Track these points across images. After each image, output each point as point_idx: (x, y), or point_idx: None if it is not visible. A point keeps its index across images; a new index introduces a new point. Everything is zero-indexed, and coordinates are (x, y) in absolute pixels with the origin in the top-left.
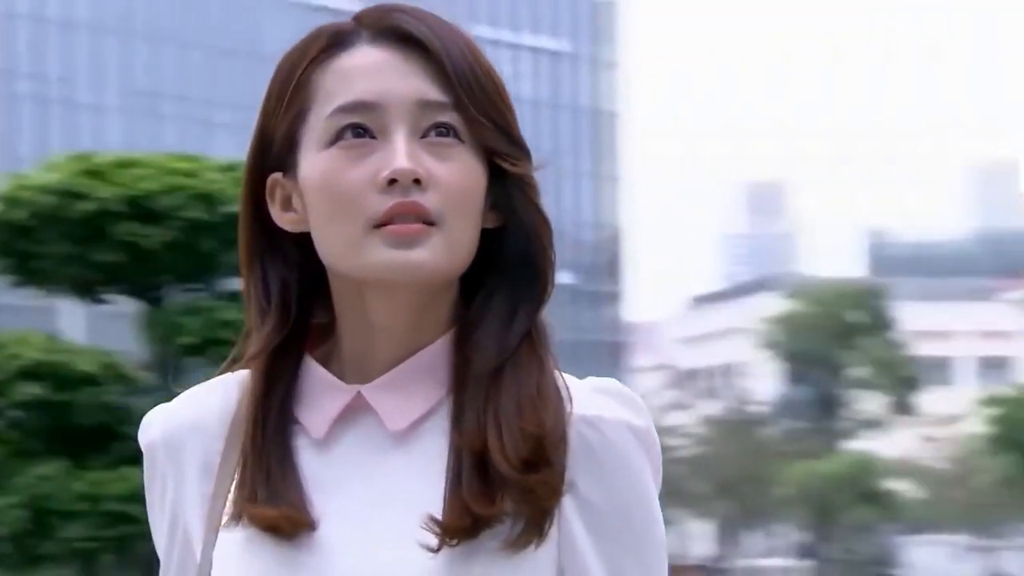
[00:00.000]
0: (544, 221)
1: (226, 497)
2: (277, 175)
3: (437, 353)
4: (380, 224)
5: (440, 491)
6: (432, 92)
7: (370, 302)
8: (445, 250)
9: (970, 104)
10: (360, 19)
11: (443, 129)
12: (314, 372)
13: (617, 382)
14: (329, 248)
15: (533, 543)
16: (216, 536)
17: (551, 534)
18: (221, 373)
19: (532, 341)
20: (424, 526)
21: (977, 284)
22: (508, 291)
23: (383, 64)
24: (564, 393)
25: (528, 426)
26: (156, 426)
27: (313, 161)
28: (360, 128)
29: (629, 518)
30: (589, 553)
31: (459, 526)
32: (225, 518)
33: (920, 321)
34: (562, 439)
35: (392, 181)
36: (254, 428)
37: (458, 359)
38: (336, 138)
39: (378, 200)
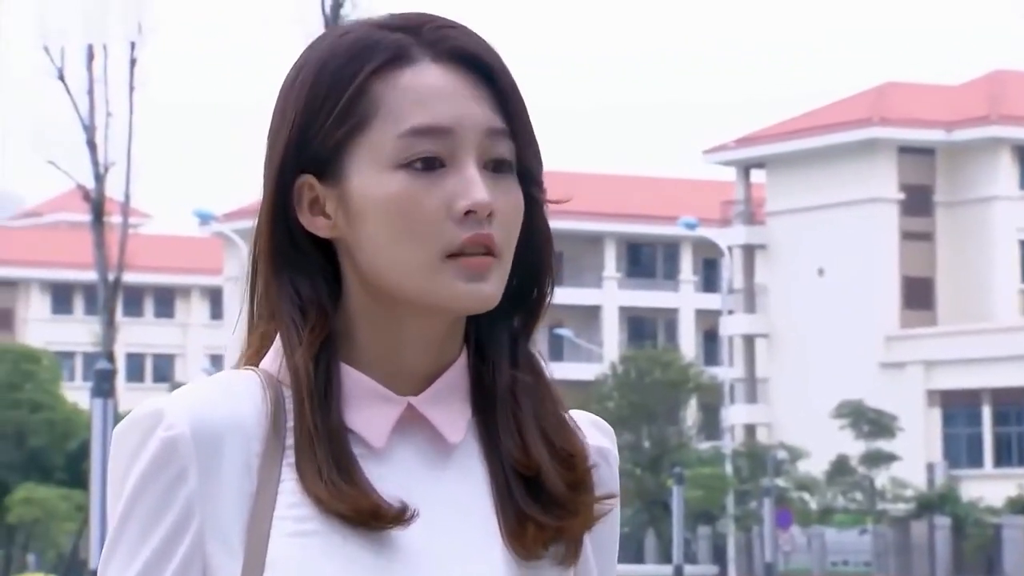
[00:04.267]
0: (551, 240)
1: (272, 500)
2: (309, 177)
3: (460, 370)
4: (453, 254)
5: (492, 506)
6: (496, 120)
7: (407, 319)
8: (502, 280)
9: None
10: (419, 33)
11: (502, 163)
12: (354, 379)
13: (593, 415)
14: (392, 270)
15: (573, 562)
16: (268, 537)
17: None
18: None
19: (534, 360)
20: (506, 541)
21: None
22: (510, 308)
23: (454, 87)
24: (572, 422)
25: (567, 449)
26: (183, 417)
27: (378, 180)
28: (433, 154)
29: (614, 541)
30: (594, 571)
31: (537, 541)
32: (291, 521)
33: None
34: (592, 465)
35: (469, 212)
36: (315, 431)
37: (477, 377)
38: (408, 161)
39: (453, 230)
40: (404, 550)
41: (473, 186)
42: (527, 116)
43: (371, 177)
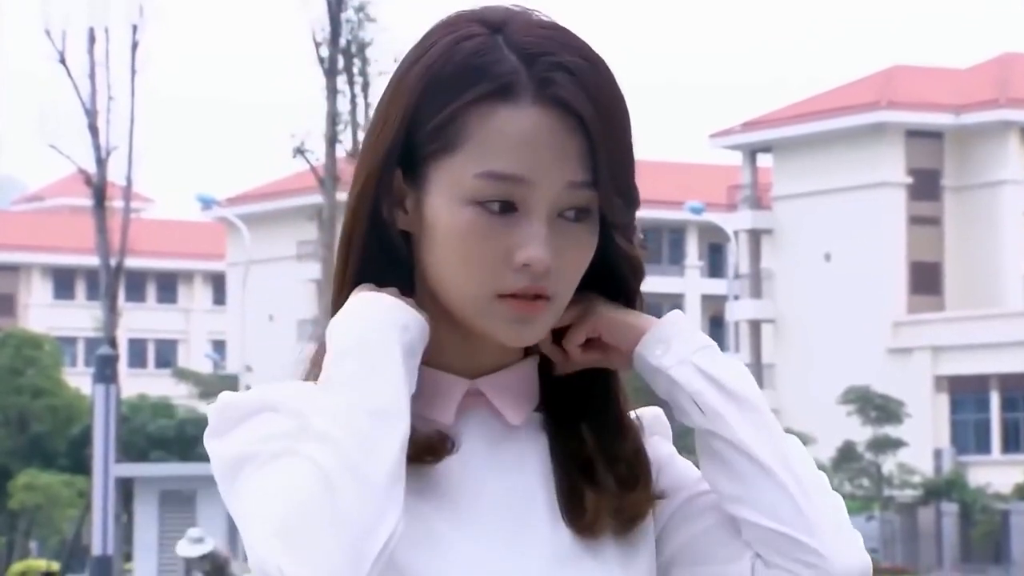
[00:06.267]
0: (638, 278)
1: None
2: (396, 170)
3: (528, 370)
4: (503, 295)
5: (551, 490)
6: (580, 173)
7: (466, 326)
8: (551, 320)
9: None
10: (532, 64)
11: (581, 212)
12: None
13: (656, 409)
14: (448, 292)
15: (630, 530)
16: None
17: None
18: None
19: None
20: (565, 518)
21: None
22: None
23: (544, 138)
24: (637, 422)
25: (621, 451)
26: (274, 389)
27: (450, 208)
28: (506, 198)
29: (686, 474)
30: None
31: (595, 520)
32: None
33: None
34: (649, 463)
35: (526, 265)
36: None
37: (546, 379)
38: (480, 201)
39: (509, 277)
40: (462, 511)
41: (535, 241)
42: (622, 168)
43: (445, 203)
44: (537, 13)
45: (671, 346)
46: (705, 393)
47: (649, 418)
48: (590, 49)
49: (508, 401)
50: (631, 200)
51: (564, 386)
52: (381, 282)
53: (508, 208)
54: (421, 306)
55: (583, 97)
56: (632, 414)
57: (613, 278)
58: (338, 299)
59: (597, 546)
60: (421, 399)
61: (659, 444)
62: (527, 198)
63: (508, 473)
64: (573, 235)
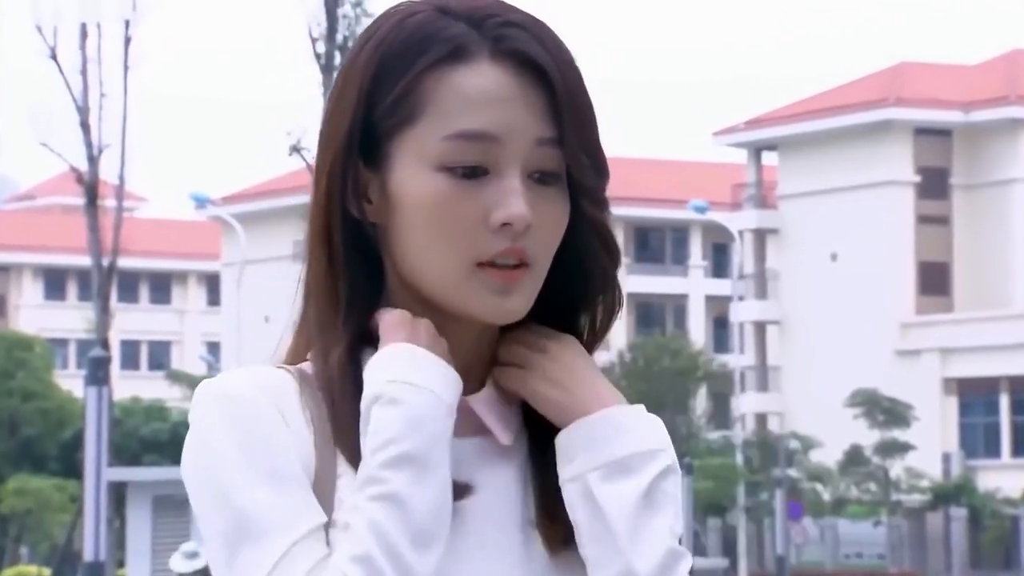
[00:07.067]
0: (609, 254)
1: (333, 481)
2: (359, 161)
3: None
4: (484, 263)
5: (530, 505)
6: (546, 129)
7: (440, 316)
8: (532, 291)
9: None
10: (481, 27)
11: (549, 176)
12: None
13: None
14: (423, 271)
15: None
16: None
17: None
18: (290, 362)
19: None
20: (543, 532)
21: None
22: (563, 325)
23: (506, 92)
24: None
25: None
26: (252, 383)
27: (418, 178)
28: (477, 162)
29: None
30: None
31: (559, 536)
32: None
33: None
34: None
35: (505, 224)
36: (350, 424)
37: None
38: (451, 165)
39: (488, 240)
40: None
41: (512, 198)
42: (586, 125)
43: (413, 174)
44: None
45: (578, 455)
46: (580, 524)
47: None
48: (532, 14)
49: (497, 420)
50: (599, 165)
51: None
52: (366, 288)
53: (480, 172)
54: (395, 301)
55: (541, 50)
56: None
57: (587, 258)
58: (333, 319)
59: (571, 565)
60: None
61: None
62: (498, 157)
63: (497, 495)
64: (544, 199)
